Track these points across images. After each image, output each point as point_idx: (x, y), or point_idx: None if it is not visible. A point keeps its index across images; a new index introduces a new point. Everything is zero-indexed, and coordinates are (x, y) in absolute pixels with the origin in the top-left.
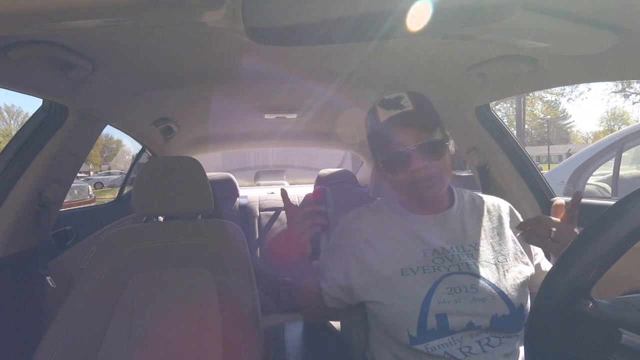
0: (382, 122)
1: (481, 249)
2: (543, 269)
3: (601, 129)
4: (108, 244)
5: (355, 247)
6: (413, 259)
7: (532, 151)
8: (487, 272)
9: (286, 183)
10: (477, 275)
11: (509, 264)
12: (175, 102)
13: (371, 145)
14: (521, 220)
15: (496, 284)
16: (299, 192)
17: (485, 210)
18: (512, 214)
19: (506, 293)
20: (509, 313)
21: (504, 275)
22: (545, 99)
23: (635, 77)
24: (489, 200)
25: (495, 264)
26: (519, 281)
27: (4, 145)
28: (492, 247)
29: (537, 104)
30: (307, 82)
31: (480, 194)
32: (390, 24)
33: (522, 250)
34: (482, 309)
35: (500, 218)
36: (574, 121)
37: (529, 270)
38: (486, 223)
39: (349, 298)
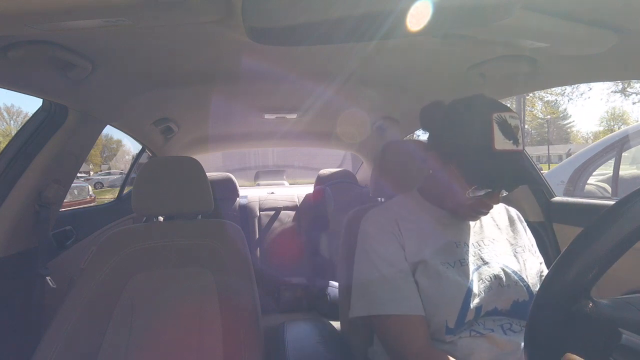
0: (496, 149)
1: (498, 243)
2: (544, 273)
3: (601, 129)
4: (108, 244)
5: (401, 232)
6: (447, 252)
7: (532, 151)
8: (508, 261)
9: (286, 183)
10: (501, 265)
11: (526, 254)
12: (175, 102)
13: (465, 152)
14: (526, 225)
15: (518, 272)
16: (299, 192)
17: (497, 212)
18: (519, 219)
19: (526, 280)
20: (528, 299)
21: (524, 264)
22: (546, 99)
23: (635, 77)
24: (500, 205)
25: (514, 255)
26: (535, 270)
27: (4, 145)
28: (509, 241)
29: (537, 104)
30: (307, 82)
31: None
32: (390, 24)
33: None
34: (507, 294)
35: (511, 218)
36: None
37: (542, 265)
38: (500, 221)
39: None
